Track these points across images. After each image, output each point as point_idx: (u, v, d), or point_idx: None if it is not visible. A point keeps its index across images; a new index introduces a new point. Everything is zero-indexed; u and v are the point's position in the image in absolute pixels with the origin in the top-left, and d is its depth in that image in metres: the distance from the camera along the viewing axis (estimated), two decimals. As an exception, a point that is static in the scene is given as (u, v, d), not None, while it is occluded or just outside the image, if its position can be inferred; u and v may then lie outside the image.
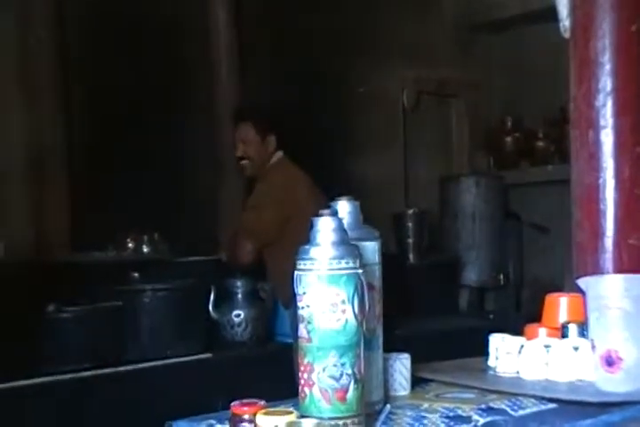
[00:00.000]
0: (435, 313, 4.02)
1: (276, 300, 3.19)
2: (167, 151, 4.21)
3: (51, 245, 3.74)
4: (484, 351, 2.02)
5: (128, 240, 3.55)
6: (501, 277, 4.61)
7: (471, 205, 4.79)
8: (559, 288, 2.22)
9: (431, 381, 1.85)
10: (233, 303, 3.08)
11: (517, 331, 2.01)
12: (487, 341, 1.96)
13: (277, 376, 2.74)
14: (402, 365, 1.77)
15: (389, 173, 5.29)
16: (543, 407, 1.61)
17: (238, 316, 3.05)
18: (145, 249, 3.54)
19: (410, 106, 5.56)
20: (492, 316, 4.37)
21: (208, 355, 2.91)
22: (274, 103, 4.18)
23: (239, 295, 3.09)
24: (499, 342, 1.92)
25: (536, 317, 2.10)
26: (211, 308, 3.03)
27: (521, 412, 1.58)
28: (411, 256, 4.49)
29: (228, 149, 4.44)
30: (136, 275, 3.05)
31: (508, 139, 5.55)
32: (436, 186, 5.03)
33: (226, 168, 4.44)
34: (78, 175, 3.97)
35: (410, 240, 4.56)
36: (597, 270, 2.09)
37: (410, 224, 4.62)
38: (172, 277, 3.04)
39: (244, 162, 3.58)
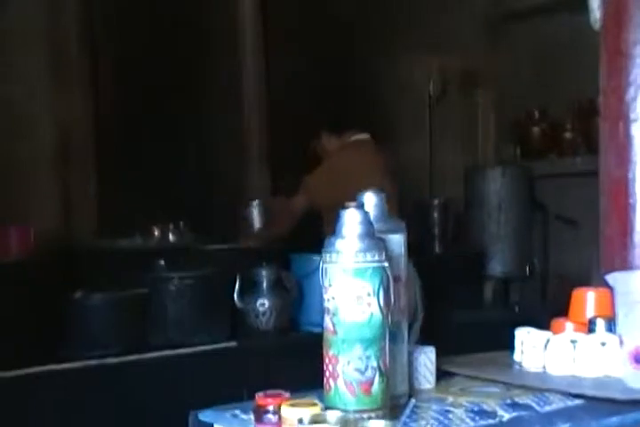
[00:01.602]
0: (459, 305, 4.01)
1: (302, 289, 3.19)
2: (194, 140, 4.22)
3: (78, 232, 3.78)
4: (509, 344, 2.01)
5: (154, 228, 3.57)
6: (527, 268, 4.58)
7: (497, 196, 4.76)
8: (586, 280, 2.20)
9: (456, 374, 1.84)
10: (258, 292, 3.08)
11: (543, 323, 2.00)
12: (513, 333, 1.95)
13: (302, 366, 2.74)
14: (427, 358, 1.77)
15: (415, 162, 5.27)
16: (570, 403, 1.60)
17: (263, 305, 3.05)
18: (171, 237, 3.56)
19: (436, 95, 5.53)
20: (517, 308, 4.35)
21: (233, 343, 2.91)
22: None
23: (264, 284, 3.09)
24: (524, 336, 1.91)
25: (562, 309, 2.08)
26: (236, 296, 3.03)
27: (547, 408, 1.57)
28: (436, 246, 4.48)
29: (253, 136, 4.46)
30: (162, 262, 3.05)
31: (536, 129, 5.49)
32: (462, 176, 5.00)
33: (252, 156, 4.45)
34: (106, 163, 3.99)
35: (435, 230, 4.55)
36: (626, 266, 2.07)
37: (435, 214, 4.61)
38: (197, 266, 3.05)
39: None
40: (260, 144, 4.45)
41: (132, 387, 2.57)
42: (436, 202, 4.70)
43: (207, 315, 2.90)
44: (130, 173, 3.99)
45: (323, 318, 1.51)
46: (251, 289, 3.10)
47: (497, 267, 4.57)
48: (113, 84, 4.11)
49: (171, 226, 3.56)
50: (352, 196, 1.66)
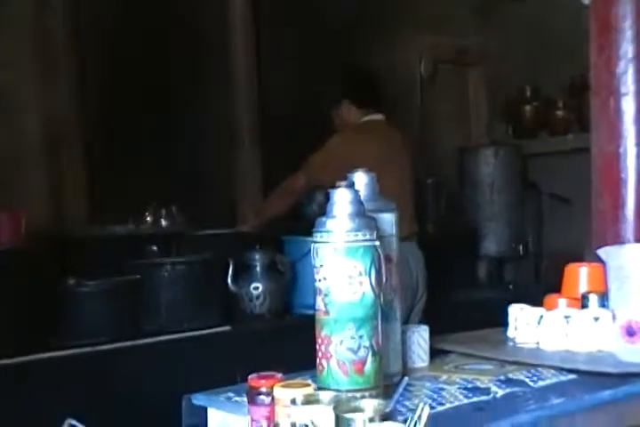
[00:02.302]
0: (454, 284, 4.01)
1: (295, 272, 3.19)
2: (183, 124, 4.20)
3: (69, 218, 3.76)
4: (503, 322, 2.01)
5: (146, 214, 3.55)
6: (520, 247, 4.58)
7: (490, 176, 4.75)
8: (579, 259, 2.20)
9: (450, 352, 1.84)
10: (251, 276, 3.08)
11: (537, 302, 2.00)
12: (507, 311, 1.95)
13: (296, 349, 2.73)
14: (420, 336, 1.77)
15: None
16: (563, 378, 1.60)
17: (257, 289, 3.04)
18: (163, 222, 3.54)
19: (427, 75, 5.50)
20: (511, 286, 4.36)
21: (227, 328, 2.91)
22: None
23: (257, 268, 3.09)
24: (518, 313, 1.91)
25: (556, 287, 2.08)
26: (229, 281, 3.03)
27: (540, 383, 1.57)
28: (429, 226, 4.48)
29: (243, 121, 4.43)
30: (154, 248, 3.05)
31: (527, 108, 5.47)
32: (454, 156, 4.99)
33: (242, 141, 4.43)
34: (96, 148, 3.97)
35: (428, 211, 4.54)
36: (618, 240, 2.08)
37: (428, 194, 4.60)
38: (190, 251, 3.04)
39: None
40: (250, 127, 4.43)
41: (127, 373, 2.57)
42: (428, 182, 4.69)
43: (200, 300, 2.90)
44: (120, 158, 3.96)
45: (314, 298, 1.50)
46: (244, 273, 3.10)
47: (491, 246, 4.58)
48: (102, 71, 4.08)
49: (163, 211, 3.55)
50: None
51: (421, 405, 1.08)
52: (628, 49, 2.12)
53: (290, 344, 2.82)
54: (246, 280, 3.08)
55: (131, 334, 2.70)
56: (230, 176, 4.38)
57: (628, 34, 2.12)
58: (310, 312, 3.06)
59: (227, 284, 3.02)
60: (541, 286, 4.33)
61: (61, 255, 2.88)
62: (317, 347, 1.48)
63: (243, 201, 4.34)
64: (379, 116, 3.63)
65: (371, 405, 1.23)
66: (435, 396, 1.49)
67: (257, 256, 3.12)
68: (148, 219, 3.52)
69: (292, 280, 3.16)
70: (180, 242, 3.24)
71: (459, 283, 4.11)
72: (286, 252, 3.28)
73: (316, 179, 3.41)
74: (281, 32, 4.60)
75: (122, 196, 3.68)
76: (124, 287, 2.78)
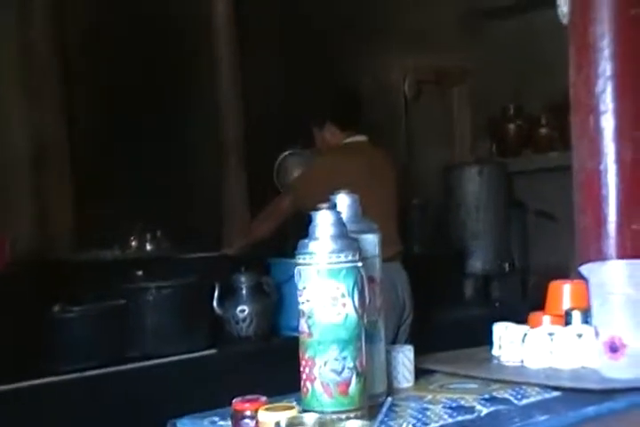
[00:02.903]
0: (440, 303, 4.01)
1: (282, 294, 3.18)
2: (169, 149, 4.21)
3: (55, 243, 3.75)
4: (488, 341, 2.01)
5: (131, 238, 3.55)
6: (506, 265, 4.59)
7: (475, 194, 4.78)
8: (565, 275, 2.20)
9: (436, 372, 1.84)
10: (237, 299, 3.07)
11: (524, 319, 2.01)
12: (492, 330, 1.95)
13: (283, 371, 2.73)
14: (405, 357, 1.77)
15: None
16: (547, 396, 1.60)
17: (243, 311, 3.04)
18: (148, 247, 3.54)
19: (411, 95, 5.53)
20: (497, 304, 4.36)
21: (213, 351, 2.90)
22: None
23: (243, 291, 3.08)
24: (502, 331, 1.91)
25: (543, 304, 2.09)
26: (215, 304, 3.02)
27: (525, 401, 1.57)
28: (415, 247, 4.48)
29: (230, 143, 4.44)
30: (140, 273, 3.04)
31: (511, 126, 5.52)
32: (439, 175, 5.01)
33: (229, 164, 4.43)
34: (81, 174, 3.97)
35: (414, 231, 4.55)
36: (601, 256, 2.08)
37: (413, 215, 4.61)
38: (175, 275, 3.03)
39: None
40: (236, 150, 4.44)
41: (114, 399, 2.56)
42: (414, 202, 4.71)
43: (186, 323, 2.89)
44: (105, 181, 3.96)
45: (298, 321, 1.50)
46: (230, 296, 3.09)
47: (477, 264, 4.59)
48: (87, 93, 4.08)
49: (148, 236, 3.55)
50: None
51: (404, 425, 1.08)
52: (606, 67, 2.14)
53: (276, 367, 2.81)
54: (232, 303, 3.07)
55: (117, 359, 2.69)
56: (215, 198, 4.38)
57: (606, 52, 2.14)
58: (297, 334, 3.06)
59: (212, 307, 3.02)
60: (528, 302, 4.32)
61: (46, 280, 2.87)
62: (302, 369, 1.48)
63: (228, 223, 4.33)
64: (362, 138, 3.65)
65: (355, 425, 1.23)
66: (419, 416, 1.49)
67: (243, 279, 3.12)
68: (134, 243, 3.52)
69: (278, 302, 3.16)
70: (165, 266, 3.24)
71: (445, 301, 4.11)
72: (272, 274, 3.28)
73: (300, 201, 3.41)
74: (266, 50, 4.62)
75: (107, 221, 3.67)
76: (110, 312, 2.77)
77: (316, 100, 3.91)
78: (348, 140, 3.62)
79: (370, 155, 3.61)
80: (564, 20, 2.28)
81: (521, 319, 2.00)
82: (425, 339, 2.05)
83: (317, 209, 1.56)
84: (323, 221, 1.53)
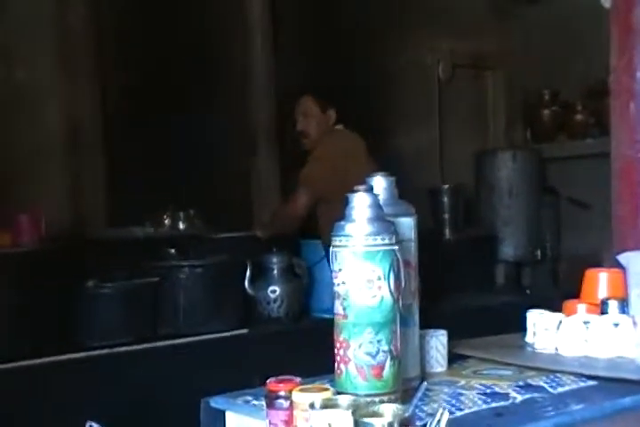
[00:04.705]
0: (471, 289, 3.99)
1: (312, 276, 3.19)
2: (203, 127, 4.21)
3: (88, 220, 3.77)
4: (521, 327, 2.00)
5: (164, 216, 3.56)
6: (538, 252, 4.55)
7: (508, 180, 4.73)
8: (597, 264, 2.18)
9: (468, 357, 1.83)
10: (269, 279, 3.08)
11: (554, 306, 1.99)
12: (525, 316, 1.94)
13: (313, 352, 2.74)
14: (438, 341, 1.76)
15: (425, 147, 5.24)
16: (582, 385, 1.59)
17: (274, 292, 3.05)
18: (181, 225, 3.55)
19: (445, 78, 5.49)
20: (528, 291, 4.33)
21: (244, 331, 2.91)
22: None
23: (275, 271, 3.09)
24: (537, 318, 1.90)
25: (573, 292, 2.07)
26: (247, 284, 3.03)
27: (560, 389, 1.56)
28: (447, 231, 4.46)
29: (262, 123, 4.44)
30: (172, 251, 3.05)
31: (546, 112, 5.45)
32: (473, 160, 4.97)
33: (261, 144, 4.43)
34: (115, 151, 3.98)
35: (446, 215, 4.53)
36: (639, 246, 2.05)
37: (446, 199, 4.59)
38: (207, 254, 3.04)
39: (304, 139, 3.64)
40: (268, 130, 4.43)
41: (144, 376, 2.58)
42: (446, 187, 4.68)
43: (218, 303, 2.90)
44: (140, 160, 3.97)
45: (333, 302, 1.50)
46: (261, 276, 3.10)
47: (508, 251, 4.55)
48: (121, 71, 4.09)
49: (181, 214, 3.56)
50: (351, 183, 1.64)
51: (440, 410, 1.07)
52: (650, 52, 2.10)
53: (307, 348, 2.82)
54: (263, 283, 3.08)
55: (148, 336, 2.70)
56: (247, 179, 4.39)
57: (650, 37, 2.10)
58: (327, 316, 3.06)
59: (244, 287, 3.02)
60: (559, 290, 4.30)
61: (80, 257, 2.89)
62: (336, 351, 1.47)
63: (260, 204, 4.34)
64: (341, 126, 3.67)
65: (390, 410, 1.22)
66: (453, 401, 1.49)
67: (274, 259, 3.12)
68: (166, 221, 3.53)
69: (308, 284, 3.16)
70: (197, 245, 3.25)
71: (476, 287, 4.09)
72: (303, 255, 3.28)
73: (319, 191, 3.38)
74: (297, 34, 4.60)
75: (140, 198, 3.68)
76: (143, 289, 2.79)
77: (346, 84, 3.89)
78: (338, 126, 3.64)
79: (358, 140, 3.63)
80: (607, 4, 2.24)
81: (552, 307, 1.98)
82: (455, 324, 2.03)
83: (354, 191, 1.55)
84: (359, 204, 1.52)
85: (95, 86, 3.94)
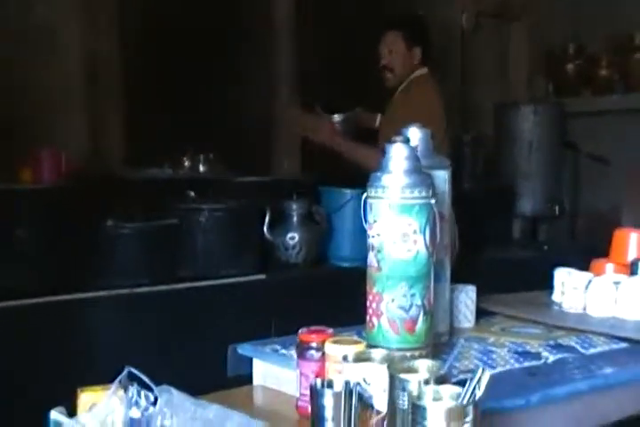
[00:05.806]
0: (488, 243, 3.97)
1: (332, 223, 3.16)
2: (224, 70, 4.15)
3: (109, 160, 3.74)
4: (542, 284, 1.99)
5: (184, 158, 3.53)
6: (556, 207, 4.51)
7: (528, 133, 4.66)
8: (615, 220, 2.15)
9: (495, 313, 1.82)
10: (288, 226, 3.05)
11: (571, 262, 1.97)
12: (545, 273, 1.92)
13: (331, 300, 2.74)
14: (467, 297, 1.75)
15: (446, 97, 5.16)
16: (614, 346, 1.58)
17: (293, 238, 3.03)
18: (201, 168, 3.52)
19: (468, 29, 5.38)
20: (545, 247, 4.30)
21: (261, 276, 2.90)
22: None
23: (294, 218, 3.06)
24: (565, 277, 1.88)
25: (591, 248, 2.05)
26: (265, 229, 3.00)
27: (592, 350, 1.55)
28: (465, 183, 4.42)
29: (281, 65, 4.37)
30: (192, 193, 3.02)
31: (570, 66, 5.35)
32: (493, 111, 4.90)
33: (281, 88, 4.37)
34: (136, 91, 3.93)
35: (465, 166, 4.48)
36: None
37: (466, 150, 4.54)
38: (227, 197, 3.02)
39: (388, 74, 3.58)
40: (289, 75, 4.37)
41: (161, 318, 2.58)
42: (466, 137, 4.62)
43: (237, 247, 2.88)
44: (159, 102, 3.92)
45: (367, 253, 1.48)
46: (280, 222, 3.08)
47: (526, 205, 4.51)
48: (144, 13, 4.02)
49: (201, 156, 3.52)
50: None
51: (481, 369, 1.06)
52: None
53: (324, 295, 2.83)
54: (282, 229, 3.06)
55: (167, 277, 2.70)
56: (270, 124, 4.34)
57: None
58: (345, 264, 3.07)
59: (263, 232, 3.01)
60: (576, 246, 4.28)
61: (100, 196, 2.86)
62: (368, 303, 1.46)
63: (279, 149, 4.30)
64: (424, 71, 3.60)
65: (425, 366, 1.21)
66: (485, 358, 1.48)
67: (294, 206, 3.09)
68: (186, 164, 3.50)
69: (327, 231, 3.14)
70: (217, 188, 3.22)
71: (493, 241, 4.06)
72: (323, 203, 3.25)
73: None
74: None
75: (160, 139, 3.65)
76: (163, 231, 2.76)
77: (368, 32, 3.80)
78: (422, 71, 3.58)
79: (436, 87, 3.59)
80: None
81: (569, 263, 1.96)
82: (476, 279, 2.02)
83: (391, 142, 1.52)
84: (397, 155, 1.49)
85: (116, 28, 3.87)
